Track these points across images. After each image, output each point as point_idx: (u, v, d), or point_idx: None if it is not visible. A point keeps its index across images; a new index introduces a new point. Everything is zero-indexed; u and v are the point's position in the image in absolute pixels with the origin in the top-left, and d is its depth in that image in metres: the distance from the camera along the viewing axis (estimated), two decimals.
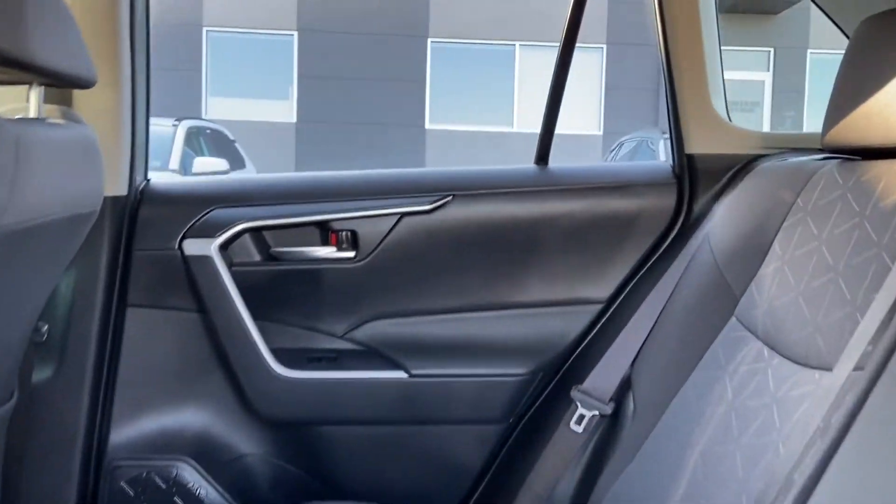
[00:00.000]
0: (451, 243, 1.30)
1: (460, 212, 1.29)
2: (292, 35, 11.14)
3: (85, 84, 0.89)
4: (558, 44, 1.36)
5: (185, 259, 1.24)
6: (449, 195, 1.29)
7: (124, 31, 1.16)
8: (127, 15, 1.16)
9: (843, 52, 0.88)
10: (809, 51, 11.76)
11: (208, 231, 1.24)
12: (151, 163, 5.58)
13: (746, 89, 11.76)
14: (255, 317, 1.26)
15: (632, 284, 1.30)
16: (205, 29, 10.98)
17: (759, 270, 0.91)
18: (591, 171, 1.34)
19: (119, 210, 1.21)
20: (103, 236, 1.19)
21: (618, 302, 1.31)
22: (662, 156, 6.48)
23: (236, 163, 6.96)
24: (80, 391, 1.19)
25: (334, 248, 1.30)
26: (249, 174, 7.23)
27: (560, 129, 10.75)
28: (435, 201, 1.29)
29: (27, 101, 0.88)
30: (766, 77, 11.90)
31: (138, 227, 1.25)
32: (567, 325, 1.31)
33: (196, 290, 1.25)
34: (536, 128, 10.93)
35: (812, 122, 11.54)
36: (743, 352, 0.87)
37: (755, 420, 0.79)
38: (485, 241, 1.30)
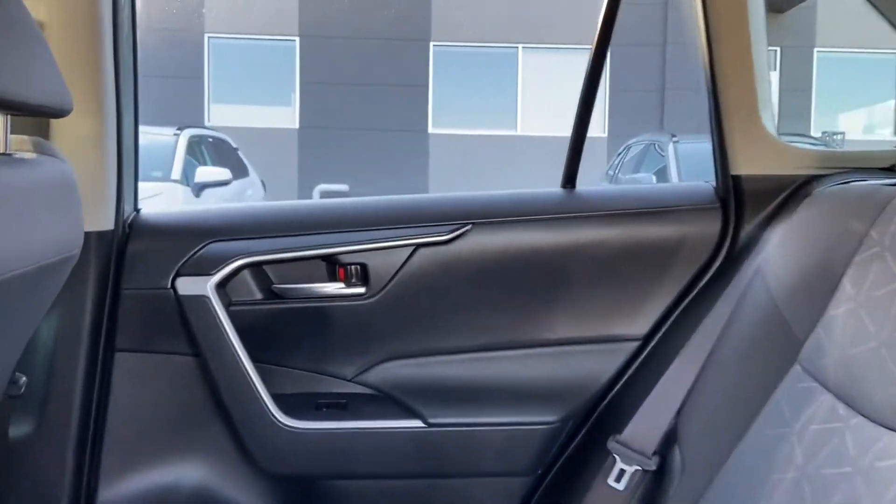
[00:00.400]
0: (471, 276, 1.18)
1: (481, 241, 1.18)
2: (294, 41, 11.05)
3: (58, 113, 0.77)
4: (581, 52, 1.25)
5: (179, 299, 1.12)
6: (468, 223, 1.18)
7: (107, 52, 1.04)
8: (109, 34, 1.05)
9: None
10: (816, 49, 11.62)
11: (203, 267, 1.13)
12: (153, 173, 5.52)
13: None
14: (256, 360, 1.15)
15: (671, 320, 1.18)
16: (206, 35, 10.90)
17: (827, 311, 0.79)
18: (624, 195, 1.22)
19: (105, 246, 1.09)
20: (88, 275, 1.07)
21: (656, 339, 1.19)
22: (672, 160, 6.35)
23: (239, 171, 6.87)
24: (64, 446, 1.07)
25: (342, 284, 1.19)
26: (253, 183, 7.14)
27: (563, 131, 10.66)
28: (453, 230, 1.17)
29: None
30: (773, 76, 11.76)
31: (126, 263, 1.14)
32: (600, 366, 1.19)
33: (190, 333, 1.13)
34: (540, 131, 10.86)
35: (821, 122, 11.40)
36: (812, 407, 0.75)
37: (834, 494, 0.67)
38: (508, 274, 1.18)
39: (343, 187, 10.85)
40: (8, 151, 0.77)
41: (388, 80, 11.15)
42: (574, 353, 1.19)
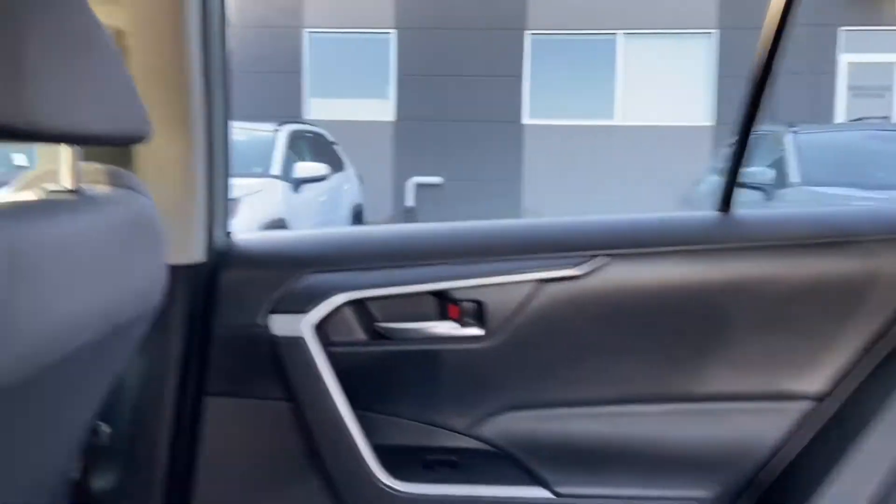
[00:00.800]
0: (607, 317, 1.00)
1: (618, 276, 0.99)
2: (391, 34, 11.05)
3: (134, 141, 0.65)
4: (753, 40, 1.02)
5: (272, 338, 1.00)
6: (604, 255, 0.99)
7: (194, 64, 0.92)
8: (198, 42, 0.92)
9: None
10: None
11: (300, 304, 1.00)
12: (253, 169, 5.59)
13: (875, 73, 10.73)
14: (356, 407, 1.01)
15: (858, 375, 0.96)
16: (306, 31, 11.05)
17: None
18: (797, 220, 1.01)
19: (194, 280, 0.98)
20: (176, 312, 0.96)
21: (838, 399, 0.97)
22: (791, 152, 5.86)
23: (336, 166, 6.91)
24: (150, 499, 0.97)
25: (456, 324, 1.03)
26: (350, 178, 7.16)
27: (664, 120, 10.14)
28: (585, 263, 0.99)
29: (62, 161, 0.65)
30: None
31: (218, 297, 1.02)
32: (765, 429, 0.98)
33: (285, 376, 1.01)
34: (639, 120, 10.41)
35: None
36: None
37: None
38: (651, 315, 0.99)
39: (437, 179, 10.78)
40: (76, 187, 0.65)
41: (483, 71, 10.98)
42: (732, 412, 0.99)
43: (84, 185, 0.69)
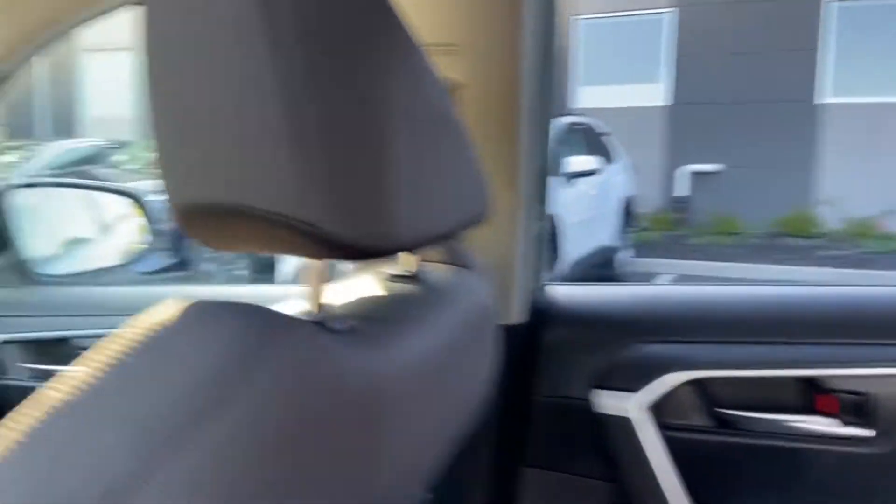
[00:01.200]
0: None
1: None
2: (664, 13, 10.44)
3: (476, 224, 0.56)
4: None
5: (596, 415, 0.88)
6: None
7: (527, 115, 0.82)
8: (531, 92, 0.82)
9: None
10: None
11: (628, 380, 0.87)
12: None
13: None
14: (699, 501, 0.86)
15: None
16: (576, 18, 10.89)
17: None
18: None
19: (517, 342, 0.90)
20: (498, 376, 0.89)
21: None
22: None
23: (608, 157, 6.73)
24: None
25: (832, 419, 0.82)
26: (622, 169, 6.91)
27: None
28: None
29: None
30: None
31: (537, 361, 0.93)
32: None
33: (609, 456, 0.89)
34: None
35: None
36: None
37: None
38: None
39: (715, 167, 9.95)
40: (417, 270, 0.58)
41: (771, 46, 9.90)
42: None
43: (424, 266, 0.62)
